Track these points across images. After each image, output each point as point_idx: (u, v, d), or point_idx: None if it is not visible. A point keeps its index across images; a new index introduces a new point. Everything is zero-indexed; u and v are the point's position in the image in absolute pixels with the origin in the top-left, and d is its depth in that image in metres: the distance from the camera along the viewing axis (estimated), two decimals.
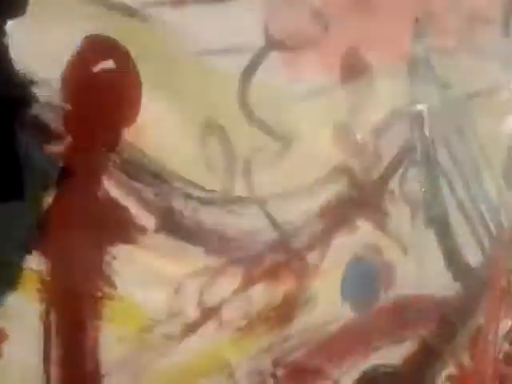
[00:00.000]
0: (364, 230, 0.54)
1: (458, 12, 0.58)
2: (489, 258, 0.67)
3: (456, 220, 0.64)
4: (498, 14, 0.63)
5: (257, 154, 0.44)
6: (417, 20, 0.54)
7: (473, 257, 0.66)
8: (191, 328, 0.42)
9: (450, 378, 0.63)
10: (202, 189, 0.43)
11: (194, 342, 0.42)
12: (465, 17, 0.59)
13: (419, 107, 0.58)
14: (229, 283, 0.44)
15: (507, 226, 0.68)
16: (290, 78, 0.45)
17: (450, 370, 0.63)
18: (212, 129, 0.42)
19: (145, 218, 0.41)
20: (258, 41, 0.43)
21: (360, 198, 0.53)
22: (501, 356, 0.69)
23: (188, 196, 0.42)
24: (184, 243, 0.42)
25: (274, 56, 0.44)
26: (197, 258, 0.43)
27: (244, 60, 0.42)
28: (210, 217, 0.43)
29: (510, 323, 0.71)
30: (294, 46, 0.45)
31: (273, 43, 0.44)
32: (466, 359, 0.66)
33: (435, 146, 0.61)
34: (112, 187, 0.40)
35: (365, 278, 0.55)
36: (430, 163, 0.60)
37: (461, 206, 0.66)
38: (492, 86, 0.65)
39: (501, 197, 0.69)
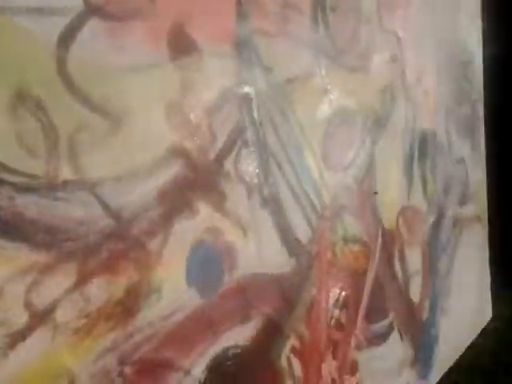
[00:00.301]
0: (204, 213, 0.53)
1: None
2: (315, 233, 0.72)
3: (287, 199, 0.68)
4: (307, 5, 0.68)
5: (83, 132, 0.39)
6: (240, 1, 0.55)
7: (303, 233, 0.70)
8: (19, 336, 0.35)
9: (293, 349, 0.66)
10: (19, 173, 0.36)
11: (25, 352, 0.35)
12: (280, 3, 0.62)
13: (247, 89, 0.59)
14: (61, 281, 0.38)
15: (329, 204, 0.74)
16: (115, 48, 0.41)
17: (293, 341, 0.66)
18: (25, 100, 0.35)
19: None
20: (77, 4, 0.38)
21: (197, 180, 0.52)
22: (332, 323, 0.75)
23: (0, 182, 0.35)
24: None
25: (96, 23, 0.39)
26: (19, 255, 0.36)
27: (62, 23, 0.37)
28: (31, 206, 0.37)
29: (338, 292, 0.78)
30: (116, 15, 0.41)
31: (93, 8, 0.39)
32: (303, 330, 0.70)
33: (264, 127, 0.63)
34: None
35: (209, 262, 0.53)
36: (260, 145, 0.62)
37: (290, 186, 0.69)
38: (307, 73, 0.70)
39: (321, 176, 0.75)
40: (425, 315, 0.98)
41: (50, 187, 0.38)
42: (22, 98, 0.35)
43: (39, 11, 0.35)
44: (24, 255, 0.36)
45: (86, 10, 0.38)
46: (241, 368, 0.57)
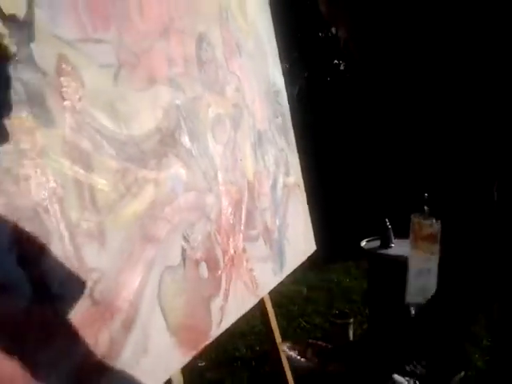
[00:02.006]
0: None
1: None
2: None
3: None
4: (193, 58, 1.33)
5: None
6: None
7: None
8: None
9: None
10: None
11: None
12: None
13: (178, 102, 1.21)
14: None
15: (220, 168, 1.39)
16: None
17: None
18: None
19: None
20: None
21: None
22: (228, 223, 1.39)
23: None
24: None
25: None
26: None
27: None
28: None
29: (231, 210, 1.42)
30: None
31: None
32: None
33: (185, 127, 1.25)
34: None
35: None
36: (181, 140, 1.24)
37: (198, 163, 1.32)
38: (200, 96, 1.35)
39: (214, 151, 1.40)
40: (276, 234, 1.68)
41: None
42: None
43: None
44: None
45: None
46: None
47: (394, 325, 2.17)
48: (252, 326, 2.92)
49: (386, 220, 2.33)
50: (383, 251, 2.32)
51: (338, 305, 3.33)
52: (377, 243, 2.41)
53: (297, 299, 3.48)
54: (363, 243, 2.48)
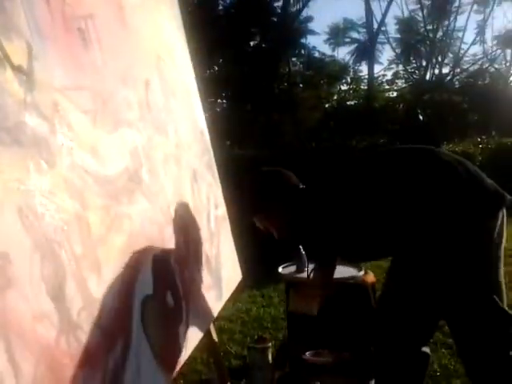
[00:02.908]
0: None
1: None
2: None
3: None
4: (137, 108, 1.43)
5: None
6: None
7: None
8: None
9: None
10: None
11: None
12: None
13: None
14: None
15: None
16: None
17: None
18: None
19: None
20: None
21: None
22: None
23: None
24: None
25: None
26: None
27: None
28: None
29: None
30: None
31: None
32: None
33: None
34: None
35: None
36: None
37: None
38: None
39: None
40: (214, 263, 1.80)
41: None
42: None
43: None
44: None
45: None
46: None
47: (312, 340, 2.36)
48: None
49: (300, 246, 2.56)
50: (299, 275, 2.53)
51: (252, 332, 3.46)
52: (292, 268, 2.62)
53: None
54: (280, 269, 2.67)
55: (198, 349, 1.41)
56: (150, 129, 1.40)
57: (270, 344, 3.07)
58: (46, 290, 0.76)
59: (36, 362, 0.66)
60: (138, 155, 1.26)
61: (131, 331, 1.00)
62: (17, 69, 0.82)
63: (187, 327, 1.36)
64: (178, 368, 1.23)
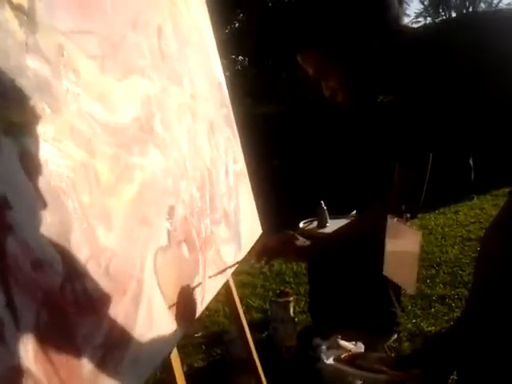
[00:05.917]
0: None
1: None
2: None
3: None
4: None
5: None
6: None
7: None
8: None
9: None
10: None
11: None
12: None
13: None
14: None
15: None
16: None
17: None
18: None
19: None
20: None
21: None
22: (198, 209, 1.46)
23: None
24: None
25: None
26: None
27: None
28: None
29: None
30: None
31: None
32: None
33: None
34: None
35: None
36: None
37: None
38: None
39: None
40: (233, 217, 1.78)
41: None
42: None
43: None
44: None
45: None
46: None
47: (335, 297, 2.36)
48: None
49: (322, 202, 2.52)
50: (320, 231, 2.50)
51: (274, 287, 3.49)
52: (314, 224, 2.59)
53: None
54: (301, 225, 2.65)
55: (219, 302, 1.41)
56: (164, 78, 1.36)
57: (292, 298, 3.10)
58: (50, 238, 0.75)
59: (37, 309, 0.66)
60: (150, 105, 1.23)
61: (143, 281, 0.99)
62: (16, 8, 0.78)
63: (204, 279, 1.35)
64: (193, 319, 1.23)
